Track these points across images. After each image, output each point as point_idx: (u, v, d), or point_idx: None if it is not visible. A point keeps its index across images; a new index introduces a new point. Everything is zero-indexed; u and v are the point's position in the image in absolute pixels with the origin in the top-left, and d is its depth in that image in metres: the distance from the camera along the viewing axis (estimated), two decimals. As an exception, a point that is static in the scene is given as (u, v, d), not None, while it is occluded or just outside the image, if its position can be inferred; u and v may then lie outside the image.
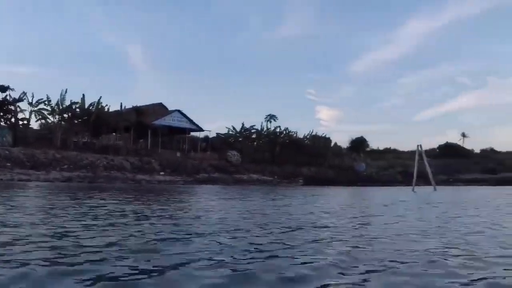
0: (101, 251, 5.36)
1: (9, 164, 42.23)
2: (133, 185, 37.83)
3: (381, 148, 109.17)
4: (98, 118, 58.82)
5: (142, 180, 45.61)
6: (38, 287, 3.82)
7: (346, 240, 6.90)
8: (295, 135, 78.34)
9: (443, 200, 22.26)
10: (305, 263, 4.90)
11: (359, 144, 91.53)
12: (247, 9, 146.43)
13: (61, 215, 9.96)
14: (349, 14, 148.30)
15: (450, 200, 23.55)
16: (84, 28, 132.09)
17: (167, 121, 65.25)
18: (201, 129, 70.23)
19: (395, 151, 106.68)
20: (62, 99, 58.48)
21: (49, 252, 5.23)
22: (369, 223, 10.18)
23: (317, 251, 5.75)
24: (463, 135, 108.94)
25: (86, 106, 60.66)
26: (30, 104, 57.82)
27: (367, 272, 4.54)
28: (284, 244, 6.28)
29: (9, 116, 55.80)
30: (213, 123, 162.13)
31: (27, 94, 57.23)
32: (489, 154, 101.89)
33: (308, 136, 79.56)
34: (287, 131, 77.25)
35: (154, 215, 10.67)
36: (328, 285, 4.04)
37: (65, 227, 7.73)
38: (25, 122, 58.06)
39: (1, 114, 55.10)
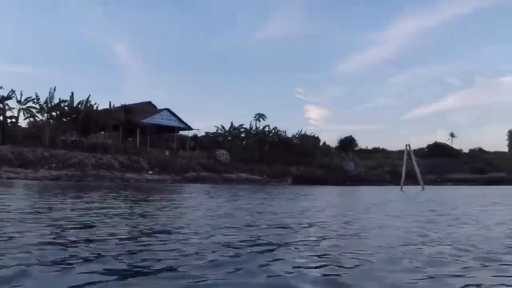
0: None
1: (-4, 162, 42.00)
2: (121, 184, 37.72)
3: (370, 147, 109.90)
4: (87, 116, 58.64)
5: (131, 178, 45.54)
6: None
7: (328, 238, 6.96)
8: (284, 134, 78.58)
9: (428, 199, 22.44)
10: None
11: (348, 143, 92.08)
12: (234, 8, 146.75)
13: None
14: (338, 14, 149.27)
15: (437, 199, 23.72)
16: (73, 26, 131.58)
17: (156, 119, 65.18)
18: (190, 128, 70.28)
19: (383, 150, 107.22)
20: (51, 97, 58.27)
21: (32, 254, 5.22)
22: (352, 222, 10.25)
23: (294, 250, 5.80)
24: (452, 135, 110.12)
25: (75, 104, 60.44)
26: (19, 102, 57.59)
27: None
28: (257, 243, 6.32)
29: (-2, 114, 55.52)
30: (202, 122, 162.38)
31: (16, 92, 57.07)
32: (477, 154, 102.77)
33: (297, 135, 79.84)
34: (276, 130, 77.47)
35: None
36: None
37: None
38: (14, 120, 57.84)
39: (-11, 112, 54.81)
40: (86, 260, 4.63)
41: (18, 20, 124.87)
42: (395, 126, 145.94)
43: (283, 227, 8.23)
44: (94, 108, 61.55)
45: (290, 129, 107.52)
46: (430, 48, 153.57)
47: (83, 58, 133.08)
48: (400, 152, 60.62)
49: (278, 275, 4.20)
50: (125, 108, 62.75)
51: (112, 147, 57.12)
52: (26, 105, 58.29)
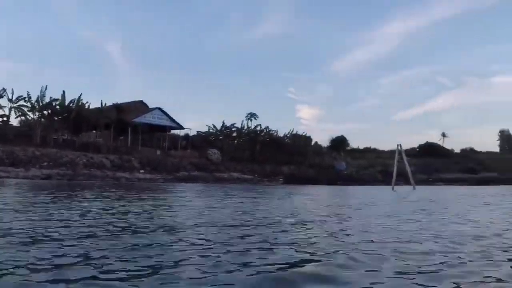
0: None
1: (-14, 161, 41.77)
2: (112, 183, 37.66)
3: (361, 147, 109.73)
4: (78, 115, 58.31)
5: (122, 178, 45.44)
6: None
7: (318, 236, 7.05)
8: (275, 133, 78.37)
9: (419, 198, 22.61)
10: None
11: (339, 143, 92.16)
12: (227, 7, 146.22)
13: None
14: (329, 14, 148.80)
15: (428, 198, 23.88)
16: (64, 24, 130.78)
17: (147, 118, 64.96)
18: (181, 127, 70.14)
19: (375, 150, 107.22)
20: (42, 95, 57.83)
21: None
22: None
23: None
24: (443, 134, 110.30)
25: (67, 103, 59.99)
26: (10, 100, 57.11)
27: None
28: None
29: (-12, 113, 55.18)
30: (194, 121, 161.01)
31: (7, 91, 56.64)
32: (469, 154, 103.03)
33: (288, 135, 79.67)
34: (267, 130, 77.23)
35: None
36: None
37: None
38: (5, 118, 57.39)
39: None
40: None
41: (10, 19, 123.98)
42: (386, 126, 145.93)
43: (273, 226, 8.31)
44: (86, 107, 61.11)
45: (281, 129, 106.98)
46: (422, 48, 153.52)
47: (75, 57, 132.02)
48: (392, 152, 60.83)
49: (271, 272, 4.29)
50: (117, 107, 62.54)
51: (103, 146, 56.91)
52: (18, 104, 57.84)
